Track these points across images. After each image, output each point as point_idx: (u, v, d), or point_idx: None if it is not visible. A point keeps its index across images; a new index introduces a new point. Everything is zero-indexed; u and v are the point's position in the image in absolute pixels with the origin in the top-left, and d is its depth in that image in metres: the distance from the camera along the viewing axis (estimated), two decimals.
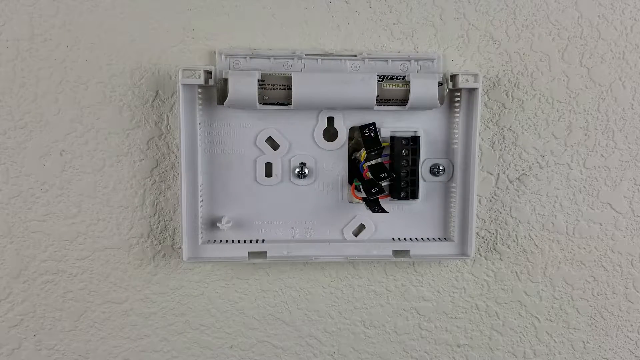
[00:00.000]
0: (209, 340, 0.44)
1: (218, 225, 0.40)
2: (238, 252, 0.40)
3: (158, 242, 0.42)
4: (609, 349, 0.47)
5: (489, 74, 0.41)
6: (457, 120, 0.40)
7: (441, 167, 0.41)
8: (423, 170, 0.41)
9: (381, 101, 0.38)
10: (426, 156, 0.41)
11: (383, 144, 0.40)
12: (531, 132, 0.42)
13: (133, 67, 0.39)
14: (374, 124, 0.39)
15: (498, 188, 0.43)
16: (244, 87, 0.36)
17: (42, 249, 0.41)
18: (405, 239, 0.42)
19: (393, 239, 0.42)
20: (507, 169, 0.43)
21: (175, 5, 0.39)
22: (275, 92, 0.37)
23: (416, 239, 0.42)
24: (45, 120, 0.39)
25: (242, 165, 0.40)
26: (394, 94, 0.38)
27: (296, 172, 0.40)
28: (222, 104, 0.37)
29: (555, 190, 0.43)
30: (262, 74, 0.37)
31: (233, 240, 0.41)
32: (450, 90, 0.40)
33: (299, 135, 0.40)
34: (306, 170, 0.40)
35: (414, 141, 0.40)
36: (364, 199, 0.40)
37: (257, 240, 0.41)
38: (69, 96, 0.39)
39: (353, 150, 0.41)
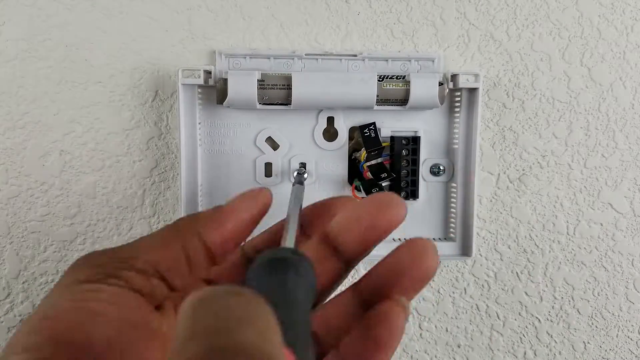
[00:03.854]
0: None
1: None
2: None
3: None
4: (610, 350, 0.46)
5: (490, 73, 0.41)
6: (458, 120, 0.40)
7: (441, 167, 0.41)
8: (423, 170, 0.41)
9: (381, 101, 0.38)
10: (426, 156, 0.41)
11: (383, 144, 0.40)
12: (532, 132, 0.42)
13: (132, 67, 0.39)
14: (374, 124, 0.39)
15: (498, 188, 0.43)
16: (243, 87, 0.36)
17: (41, 249, 0.41)
18: (405, 239, 0.42)
19: (393, 239, 0.42)
20: (508, 169, 0.42)
21: (175, 5, 0.39)
22: (275, 92, 0.37)
23: None
24: (44, 121, 0.39)
25: (242, 165, 0.40)
26: (394, 93, 0.37)
27: (295, 174, 0.39)
28: (222, 103, 0.37)
29: (555, 191, 0.43)
30: (261, 73, 0.37)
31: None
32: (450, 90, 0.40)
33: (299, 135, 0.40)
34: (305, 175, 0.39)
35: (414, 141, 0.40)
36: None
37: None
38: (68, 96, 0.39)
39: (353, 150, 0.41)
